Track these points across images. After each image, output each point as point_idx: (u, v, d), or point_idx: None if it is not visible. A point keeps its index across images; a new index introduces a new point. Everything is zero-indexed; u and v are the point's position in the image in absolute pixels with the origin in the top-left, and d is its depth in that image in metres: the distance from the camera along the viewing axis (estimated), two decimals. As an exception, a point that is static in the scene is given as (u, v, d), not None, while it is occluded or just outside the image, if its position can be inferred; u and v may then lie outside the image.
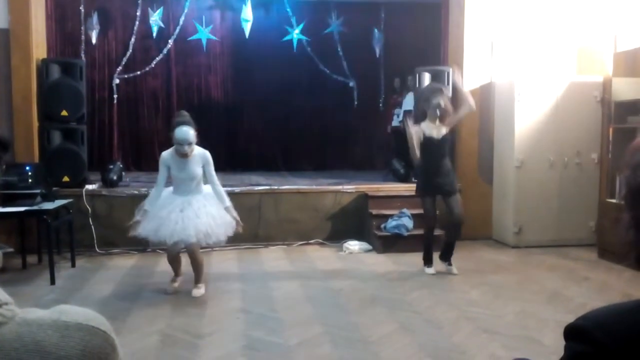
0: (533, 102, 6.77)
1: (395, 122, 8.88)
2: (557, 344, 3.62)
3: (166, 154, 4.87)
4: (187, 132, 4.68)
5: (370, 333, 4.03)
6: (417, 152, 5.39)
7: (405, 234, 6.54)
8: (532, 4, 7.20)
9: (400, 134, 8.63)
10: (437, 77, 7.34)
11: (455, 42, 7.38)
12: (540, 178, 6.81)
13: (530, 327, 4.16)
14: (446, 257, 5.69)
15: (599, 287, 5.22)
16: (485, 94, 7.26)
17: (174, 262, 5.05)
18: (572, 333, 0.87)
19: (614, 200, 6.17)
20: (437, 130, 5.38)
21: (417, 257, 6.25)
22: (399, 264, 6.06)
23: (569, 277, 5.57)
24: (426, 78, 7.36)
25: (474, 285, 5.26)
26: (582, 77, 6.99)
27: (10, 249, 5.93)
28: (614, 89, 6.46)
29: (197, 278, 5.03)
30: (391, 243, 6.55)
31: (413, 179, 7.31)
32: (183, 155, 4.76)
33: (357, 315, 4.42)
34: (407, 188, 7.07)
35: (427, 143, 5.37)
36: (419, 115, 5.60)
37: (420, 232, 6.61)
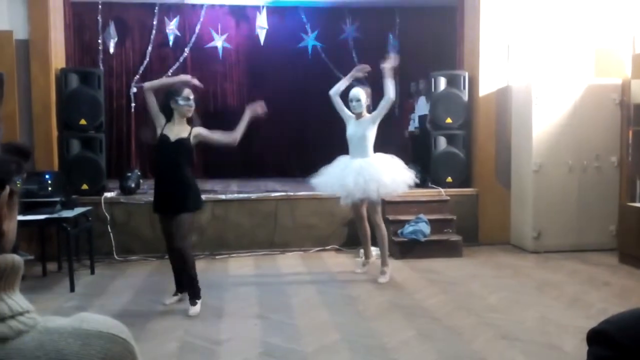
0: (551, 105, 6.70)
1: (411, 127, 8.86)
2: (577, 351, 3.57)
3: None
4: (357, 90, 5.62)
5: (388, 339, 4.00)
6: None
7: (422, 239, 6.51)
8: (549, 5, 7.14)
9: (417, 139, 8.63)
10: (452, 81, 7.32)
11: (471, 46, 7.35)
12: (559, 182, 6.74)
13: (551, 333, 4.10)
14: (178, 287, 4.82)
15: (620, 293, 5.14)
16: (502, 97, 7.21)
17: (360, 230, 5.83)
18: (596, 338, 0.86)
19: (634, 204, 6.08)
20: (177, 130, 4.50)
21: (434, 263, 6.23)
22: (416, 269, 6.02)
23: (589, 282, 5.49)
24: (442, 82, 7.34)
25: (492, 291, 5.21)
26: (601, 79, 6.90)
27: (31, 257, 5.99)
28: (633, 91, 6.38)
29: (382, 259, 5.63)
30: (408, 249, 6.52)
31: (430, 185, 7.29)
32: (357, 115, 5.57)
33: (374, 322, 4.40)
34: (424, 193, 7.04)
35: (161, 144, 4.48)
36: (166, 110, 4.55)
37: (438, 237, 6.60)
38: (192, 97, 4.57)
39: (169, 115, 4.55)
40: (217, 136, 4.69)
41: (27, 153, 0.82)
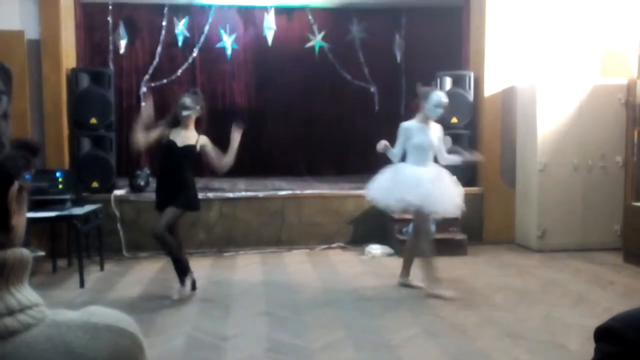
0: (556, 105, 6.71)
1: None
2: (582, 349, 3.60)
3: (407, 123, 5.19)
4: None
5: (393, 337, 4.05)
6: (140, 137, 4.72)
7: (428, 238, 6.52)
8: (555, 6, 7.15)
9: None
10: (458, 81, 7.35)
11: (477, 46, 7.37)
12: (564, 181, 6.75)
13: (555, 332, 4.13)
14: (178, 277, 4.97)
15: (624, 291, 5.16)
16: (507, 97, 7.22)
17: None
18: (603, 334, 0.86)
19: (639, 204, 6.08)
20: (184, 136, 4.83)
21: (439, 261, 6.23)
22: (420, 267, 6.04)
23: (594, 281, 5.51)
24: (448, 82, 7.36)
25: (497, 289, 5.25)
26: (606, 79, 6.91)
27: (41, 253, 6.07)
28: (639, 91, 6.38)
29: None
30: (414, 247, 6.53)
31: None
32: (424, 121, 5.14)
33: (379, 319, 4.45)
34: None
35: (167, 149, 4.83)
36: (175, 119, 4.91)
37: (442, 236, 6.62)
38: (190, 104, 4.84)
39: (178, 122, 4.89)
40: (214, 156, 4.92)
41: (35, 149, 0.82)
